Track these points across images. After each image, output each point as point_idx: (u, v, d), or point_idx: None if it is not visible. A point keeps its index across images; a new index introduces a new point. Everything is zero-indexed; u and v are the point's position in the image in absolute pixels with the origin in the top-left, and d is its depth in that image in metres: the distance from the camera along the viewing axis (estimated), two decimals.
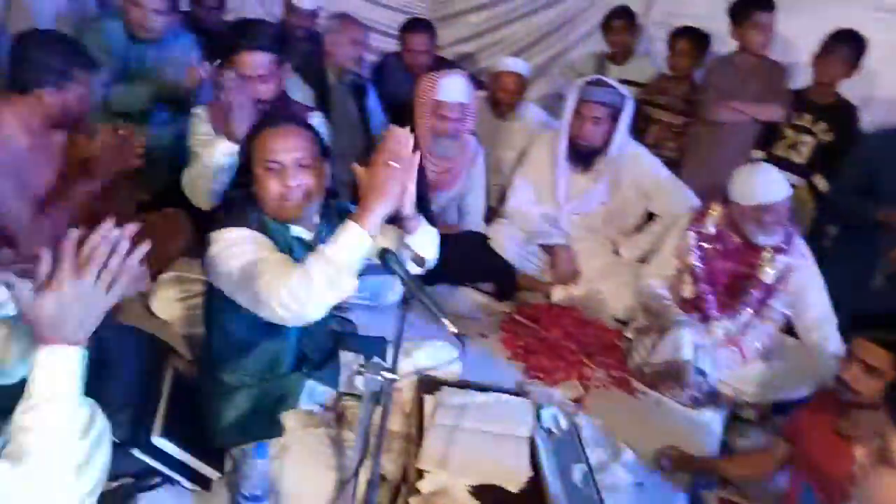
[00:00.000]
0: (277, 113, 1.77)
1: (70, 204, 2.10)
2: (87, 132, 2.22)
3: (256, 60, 2.27)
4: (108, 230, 1.11)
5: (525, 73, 3.40)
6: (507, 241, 3.04)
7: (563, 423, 1.98)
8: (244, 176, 1.77)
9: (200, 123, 2.39)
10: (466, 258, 2.95)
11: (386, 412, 1.46)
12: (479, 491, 1.62)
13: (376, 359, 1.49)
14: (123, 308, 2.30)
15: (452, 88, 2.78)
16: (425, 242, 1.81)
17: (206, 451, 1.80)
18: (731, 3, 3.19)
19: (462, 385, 1.97)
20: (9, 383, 1.35)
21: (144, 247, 1.15)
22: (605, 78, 3.06)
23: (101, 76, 2.39)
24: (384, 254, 1.64)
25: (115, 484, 1.69)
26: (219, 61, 2.40)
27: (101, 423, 1.50)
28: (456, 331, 1.58)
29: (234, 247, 1.65)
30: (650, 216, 3.13)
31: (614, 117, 2.92)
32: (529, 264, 3.04)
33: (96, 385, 1.75)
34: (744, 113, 3.18)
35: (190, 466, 1.76)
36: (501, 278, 3.01)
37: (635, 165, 3.03)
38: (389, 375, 1.46)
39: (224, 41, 2.41)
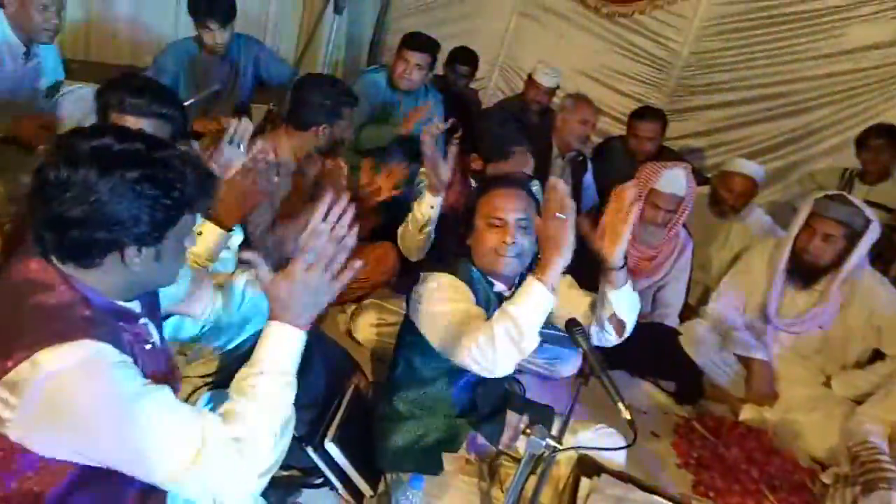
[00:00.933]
0: (505, 177, 1.94)
1: (300, 224, 2.41)
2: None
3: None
4: (339, 229, 1.24)
5: (758, 178, 3.24)
6: (700, 344, 2.86)
7: None
8: (464, 228, 1.90)
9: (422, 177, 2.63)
10: (653, 351, 2.85)
11: (542, 480, 1.45)
12: None
13: (541, 426, 1.49)
14: (327, 320, 2.56)
15: (672, 181, 2.75)
16: (628, 304, 1.80)
17: (366, 469, 1.91)
18: None
19: (624, 478, 1.88)
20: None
21: (358, 262, 1.27)
22: (848, 196, 2.81)
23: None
24: (570, 325, 1.66)
25: (285, 473, 1.87)
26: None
27: (292, 410, 1.70)
28: (630, 417, 1.55)
29: (440, 292, 1.78)
30: (876, 354, 2.77)
31: (851, 239, 2.65)
32: (720, 373, 2.82)
33: (297, 378, 1.98)
34: None
35: (350, 478, 1.89)
36: (686, 380, 2.84)
37: (871, 297, 2.71)
38: (553, 443, 1.46)
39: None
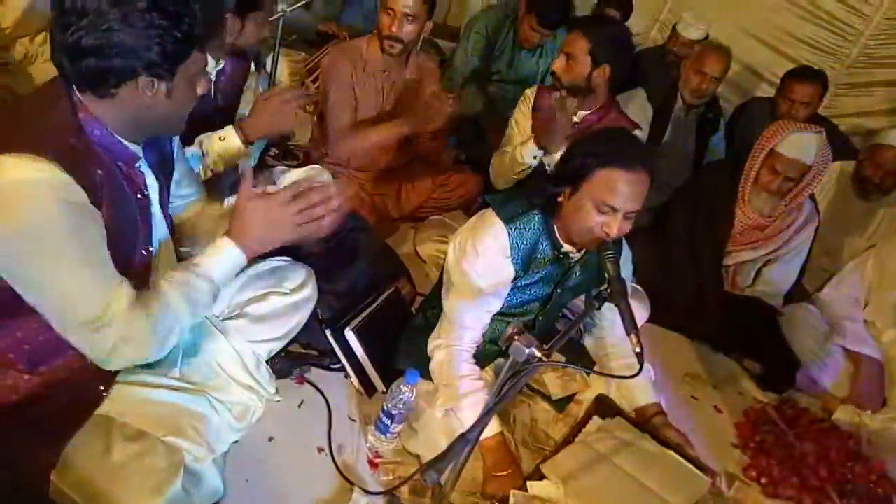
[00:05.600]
0: (637, 150, 1.61)
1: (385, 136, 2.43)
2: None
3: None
4: (328, 185, 1.34)
5: None
6: (802, 330, 2.53)
7: None
8: (559, 182, 1.65)
9: (525, 105, 2.52)
10: (745, 327, 2.56)
11: (514, 387, 1.37)
12: None
13: (529, 335, 1.40)
14: (391, 229, 2.60)
15: (799, 145, 2.39)
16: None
17: (383, 367, 1.93)
18: None
19: (641, 426, 1.73)
20: None
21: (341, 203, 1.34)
22: None
23: None
24: (602, 248, 1.55)
25: (303, 350, 1.95)
26: None
27: (311, 291, 1.75)
28: (640, 350, 1.42)
29: (477, 258, 1.66)
30: None
31: None
32: (820, 365, 2.46)
33: (339, 267, 2.04)
34: None
35: (364, 371, 1.92)
36: (777, 367, 2.51)
37: None
38: (537, 353, 1.37)
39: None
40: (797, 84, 3.18)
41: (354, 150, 2.45)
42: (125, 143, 1.24)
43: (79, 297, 1.12)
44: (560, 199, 1.65)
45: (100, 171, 1.16)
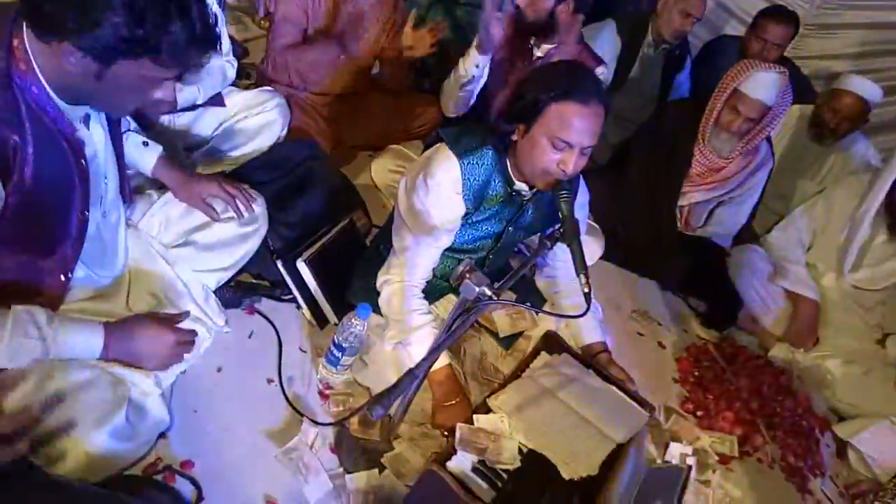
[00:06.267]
0: (591, 84, 1.54)
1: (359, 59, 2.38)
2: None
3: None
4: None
5: (873, 100, 2.76)
6: (747, 271, 2.61)
7: (679, 462, 1.68)
8: (512, 116, 1.59)
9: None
10: (692, 267, 2.63)
11: (462, 325, 1.39)
12: (528, 455, 1.47)
13: (481, 273, 1.40)
14: (349, 157, 2.55)
15: (762, 85, 2.39)
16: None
17: (335, 299, 1.92)
18: None
19: (586, 362, 1.78)
20: None
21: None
22: None
23: None
24: (557, 189, 1.54)
25: (253, 280, 1.92)
26: None
27: (262, 221, 1.72)
28: (588, 290, 1.44)
29: (430, 191, 1.63)
30: None
31: None
32: (761, 305, 2.56)
33: (292, 197, 1.99)
34: None
35: (316, 302, 1.91)
36: (720, 305, 2.60)
37: None
38: (488, 292, 1.38)
39: None
40: (772, 24, 3.12)
41: (292, 69, 2.34)
42: (63, 105, 1.16)
43: None
44: (514, 137, 1.61)
45: (15, 137, 1.07)
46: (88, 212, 1.27)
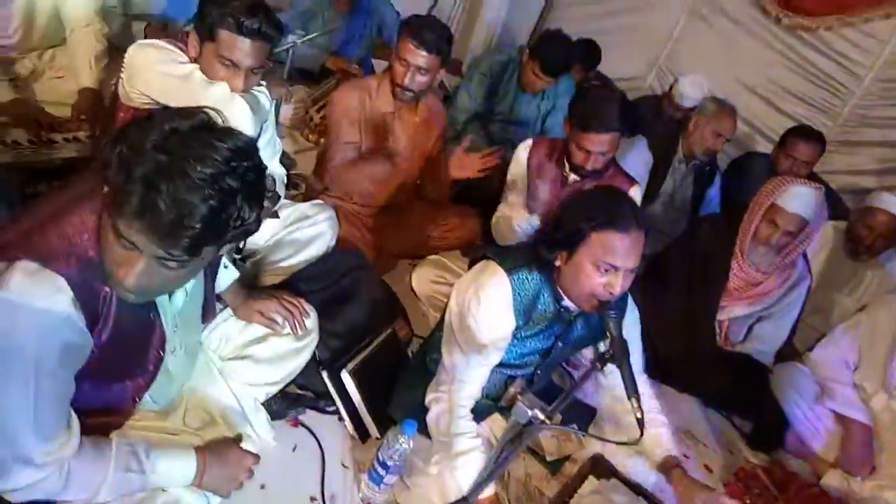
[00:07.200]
0: (629, 210, 1.58)
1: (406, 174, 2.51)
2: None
3: (603, 139, 2.31)
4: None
5: None
6: (792, 391, 2.52)
7: None
8: (554, 243, 1.62)
9: (519, 159, 2.59)
10: (735, 384, 2.58)
11: (515, 449, 1.36)
12: None
13: (533, 395, 1.39)
14: (390, 265, 2.59)
15: (799, 200, 2.42)
16: None
17: (378, 412, 1.90)
18: None
19: (637, 489, 1.71)
20: None
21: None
22: None
23: None
24: (604, 307, 1.55)
25: (299, 391, 1.92)
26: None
27: (315, 334, 1.74)
28: (640, 416, 1.42)
29: (480, 309, 1.65)
30: None
31: None
32: (810, 428, 2.47)
33: (338, 306, 2.03)
34: None
35: (359, 415, 1.89)
36: (767, 426, 2.52)
37: None
38: (539, 416, 1.37)
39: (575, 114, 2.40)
40: (801, 143, 3.24)
41: (350, 183, 2.46)
42: None
43: (23, 426, 1.05)
44: (557, 262, 1.64)
45: (106, 289, 1.11)
46: (164, 352, 1.30)
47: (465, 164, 2.43)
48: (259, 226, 1.09)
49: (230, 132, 1.03)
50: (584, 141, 2.31)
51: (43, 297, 1.02)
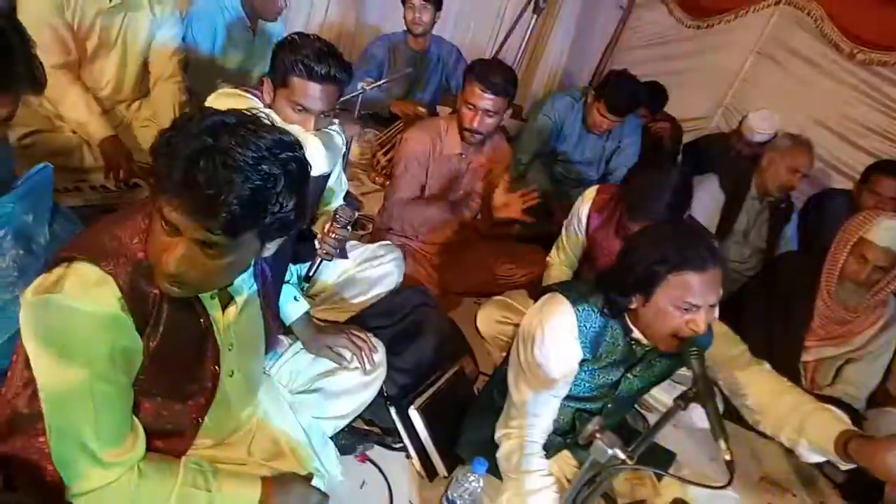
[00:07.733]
0: (702, 246, 1.51)
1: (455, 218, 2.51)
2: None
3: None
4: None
5: None
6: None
7: None
8: (627, 286, 1.56)
9: (583, 206, 2.51)
10: None
11: (595, 490, 1.30)
12: None
13: (613, 434, 1.33)
14: (455, 303, 2.57)
15: (889, 233, 2.29)
16: None
17: (445, 449, 1.87)
18: None
19: None
20: None
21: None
22: None
23: None
24: (687, 345, 1.48)
25: (367, 427, 1.90)
26: None
27: (383, 369, 1.74)
28: (730, 458, 1.33)
29: (546, 342, 1.61)
30: None
31: None
32: None
33: (405, 342, 2.03)
34: None
35: (426, 452, 1.86)
36: (862, 477, 2.31)
37: None
38: (620, 455, 1.30)
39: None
40: (886, 178, 3.07)
41: (405, 221, 2.49)
42: None
43: (85, 426, 1.07)
44: (633, 306, 1.57)
45: (155, 291, 1.12)
46: (220, 367, 1.30)
47: (509, 204, 2.43)
48: (299, 221, 1.09)
49: (277, 128, 1.06)
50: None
51: (92, 297, 1.04)
